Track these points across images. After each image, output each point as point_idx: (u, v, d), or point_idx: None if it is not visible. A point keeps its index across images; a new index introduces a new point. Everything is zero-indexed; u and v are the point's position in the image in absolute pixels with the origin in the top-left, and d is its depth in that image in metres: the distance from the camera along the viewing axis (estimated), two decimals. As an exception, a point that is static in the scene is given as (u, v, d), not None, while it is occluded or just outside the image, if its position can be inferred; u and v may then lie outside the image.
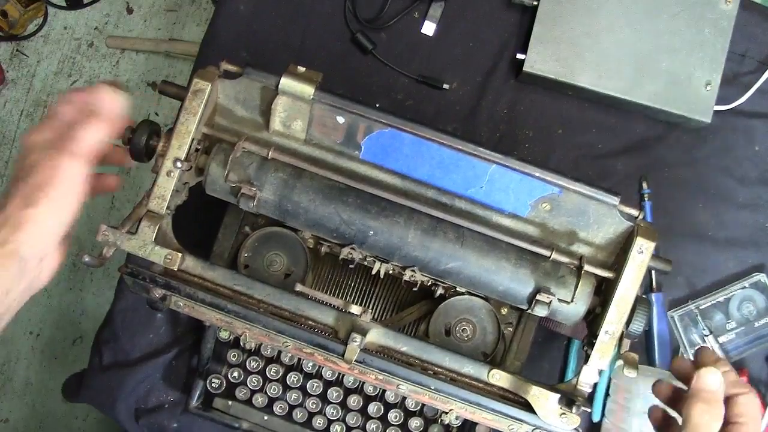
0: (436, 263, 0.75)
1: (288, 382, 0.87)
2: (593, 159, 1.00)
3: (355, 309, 0.73)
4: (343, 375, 0.86)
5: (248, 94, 0.77)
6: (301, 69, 0.76)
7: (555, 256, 0.73)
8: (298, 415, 0.88)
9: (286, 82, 0.74)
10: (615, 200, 0.75)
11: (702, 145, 1.00)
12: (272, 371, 0.86)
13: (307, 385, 0.86)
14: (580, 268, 0.74)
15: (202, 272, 0.75)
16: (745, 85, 1.00)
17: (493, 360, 0.84)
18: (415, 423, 0.86)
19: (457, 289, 0.80)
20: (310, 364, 0.86)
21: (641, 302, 0.73)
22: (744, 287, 0.96)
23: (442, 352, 0.75)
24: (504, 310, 0.85)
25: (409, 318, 0.87)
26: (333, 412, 0.87)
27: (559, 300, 0.73)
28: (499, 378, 0.74)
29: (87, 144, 0.65)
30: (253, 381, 0.87)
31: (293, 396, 0.87)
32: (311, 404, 0.87)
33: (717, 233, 0.99)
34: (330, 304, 0.75)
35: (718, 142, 1.00)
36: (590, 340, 0.74)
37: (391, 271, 0.79)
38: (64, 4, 1.97)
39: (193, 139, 0.73)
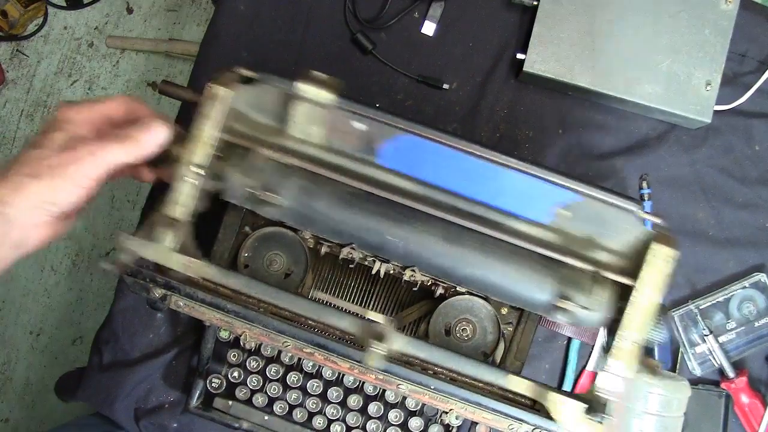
0: (457, 270, 0.74)
1: (288, 382, 0.87)
2: (593, 159, 1.00)
3: (376, 317, 0.73)
4: (343, 375, 0.86)
5: (266, 99, 0.76)
6: (321, 75, 0.75)
7: (575, 263, 0.73)
8: (298, 414, 0.88)
9: (305, 88, 0.74)
10: (635, 207, 0.75)
11: (702, 145, 1.00)
12: (272, 371, 0.86)
13: (307, 385, 0.86)
14: (600, 275, 0.74)
15: (223, 280, 0.73)
16: (745, 85, 1.00)
17: (493, 360, 0.84)
18: (415, 423, 0.86)
19: (457, 288, 0.80)
20: (310, 363, 0.86)
21: (661, 310, 0.73)
22: (744, 287, 0.96)
23: (461, 358, 0.74)
24: (504, 310, 0.85)
25: (409, 318, 0.87)
26: (333, 412, 0.87)
27: (581, 307, 0.73)
28: (517, 384, 0.74)
29: (112, 158, 0.67)
30: (253, 381, 0.87)
31: (293, 396, 0.87)
32: (311, 404, 0.87)
33: (717, 233, 0.99)
34: (351, 312, 0.75)
35: (718, 142, 1.00)
36: (610, 347, 0.74)
37: (391, 271, 0.79)
38: (64, 4, 1.97)
39: (210, 145, 0.72)
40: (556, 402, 0.72)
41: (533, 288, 0.74)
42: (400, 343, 0.73)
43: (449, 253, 0.74)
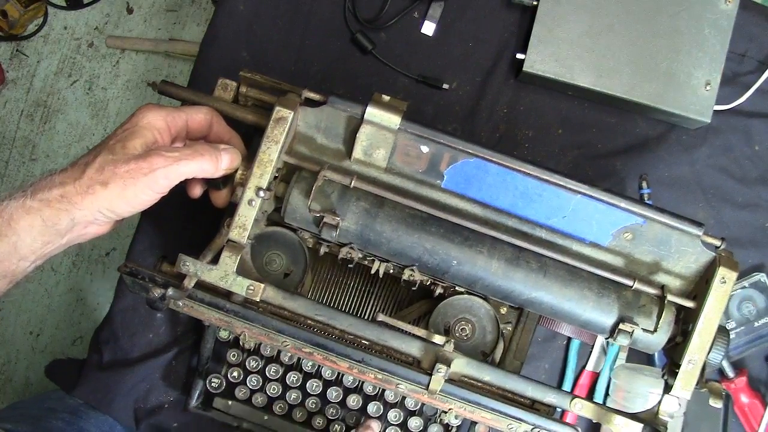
0: (519, 293, 0.75)
1: (287, 382, 0.87)
2: (593, 159, 1.00)
3: (438, 339, 0.73)
4: (343, 374, 0.86)
5: (330, 122, 0.76)
6: (386, 98, 0.75)
7: (637, 285, 0.73)
8: (298, 414, 0.88)
9: (372, 112, 0.74)
10: (699, 231, 0.76)
11: (702, 145, 1.00)
12: (272, 371, 0.86)
13: (307, 385, 0.86)
14: (662, 297, 0.74)
15: (282, 302, 0.74)
16: (745, 85, 1.00)
17: (493, 359, 0.84)
18: (414, 422, 0.86)
19: (456, 288, 0.80)
20: (310, 363, 0.86)
21: (721, 331, 0.73)
22: (744, 287, 0.96)
23: (525, 381, 0.75)
24: (503, 309, 0.85)
25: (409, 317, 0.87)
26: (332, 412, 0.87)
27: (643, 330, 0.73)
28: (581, 407, 0.74)
29: (184, 171, 0.67)
30: (253, 380, 0.87)
31: (293, 395, 0.87)
32: (311, 404, 0.87)
33: (716, 233, 0.99)
34: (413, 334, 0.75)
35: (718, 142, 1.00)
36: (671, 369, 0.74)
37: (390, 271, 0.79)
38: (64, 4, 1.97)
39: (275, 168, 0.71)
40: (620, 426, 0.73)
41: (596, 310, 0.74)
42: (462, 366, 0.74)
43: (513, 276, 0.74)
